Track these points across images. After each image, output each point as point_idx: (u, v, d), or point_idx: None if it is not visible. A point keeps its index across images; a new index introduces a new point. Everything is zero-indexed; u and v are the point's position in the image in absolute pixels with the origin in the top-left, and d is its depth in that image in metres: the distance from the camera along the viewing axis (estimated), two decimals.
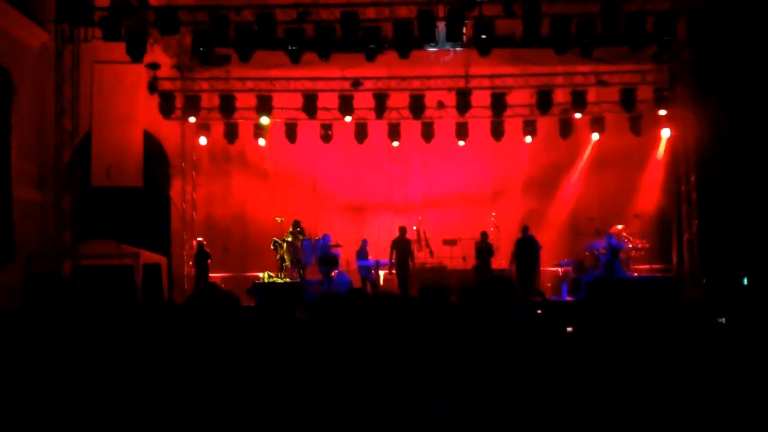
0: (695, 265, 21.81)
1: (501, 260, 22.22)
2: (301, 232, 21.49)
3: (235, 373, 4.35)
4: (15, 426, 4.24)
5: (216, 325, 4.45)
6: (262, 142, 23.38)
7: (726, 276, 19.38)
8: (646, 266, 22.14)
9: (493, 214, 22.87)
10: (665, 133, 22.97)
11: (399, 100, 22.60)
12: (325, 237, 21.32)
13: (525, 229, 20.92)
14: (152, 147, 22.53)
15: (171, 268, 22.93)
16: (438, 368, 4.22)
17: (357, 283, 21.06)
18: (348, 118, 22.49)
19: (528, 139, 23.27)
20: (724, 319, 5.99)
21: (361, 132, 22.93)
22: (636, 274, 21.35)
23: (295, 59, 19.21)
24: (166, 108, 22.02)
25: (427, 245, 21.94)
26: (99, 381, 4.37)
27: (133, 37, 18.51)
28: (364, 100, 22.49)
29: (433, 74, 22.65)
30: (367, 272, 21.45)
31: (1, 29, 18.67)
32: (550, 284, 22.35)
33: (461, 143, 23.16)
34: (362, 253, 21.64)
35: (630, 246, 21.53)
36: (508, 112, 22.50)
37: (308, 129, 23.16)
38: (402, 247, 21.02)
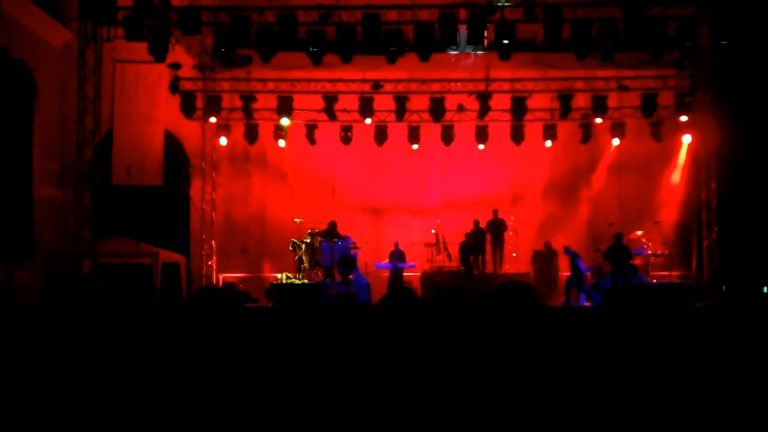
0: (715, 272, 21.68)
1: (519, 265, 22.23)
2: (330, 233, 21.40)
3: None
4: (33, 419, 4.27)
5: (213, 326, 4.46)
6: (282, 143, 23.42)
7: (746, 284, 19.25)
8: (666, 272, 22.02)
9: (512, 218, 22.84)
10: (686, 139, 22.83)
11: (419, 102, 22.58)
12: (347, 239, 21.36)
13: (495, 212, 22.43)
14: (173, 146, 22.65)
15: (189, 268, 23.00)
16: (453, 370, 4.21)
17: (375, 285, 21.08)
18: (368, 121, 22.49)
19: (548, 143, 23.23)
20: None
21: (380, 134, 22.94)
22: (655, 280, 21.27)
23: (316, 61, 19.25)
24: (187, 108, 22.07)
25: (446, 249, 21.96)
26: (112, 377, 4.40)
27: (155, 36, 18.60)
28: (384, 103, 22.48)
29: (454, 77, 22.63)
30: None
31: (24, 28, 18.80)
32: None
33: (481, 147, 23.14)
34: (393, 255, 21.74)
35: (649, 252, 21.45)
36: (528, 116, 22.44)
37: (328, 131, 23.19)
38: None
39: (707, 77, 21.69)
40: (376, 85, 22.59)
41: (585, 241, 23.21)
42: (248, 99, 22.54)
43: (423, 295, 20.72)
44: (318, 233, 21.39)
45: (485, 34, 18.88)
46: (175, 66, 20.98)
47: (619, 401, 4.36)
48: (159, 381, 4.38)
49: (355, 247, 21.40)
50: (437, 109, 22.12)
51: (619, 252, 20.03)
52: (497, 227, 22.31)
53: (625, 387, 4.44)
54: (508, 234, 22.56)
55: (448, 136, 22.84)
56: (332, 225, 21.64)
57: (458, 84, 22.65)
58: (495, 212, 22.38)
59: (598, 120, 22.58)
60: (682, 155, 23.13)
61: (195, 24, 18.71)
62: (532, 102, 22.38)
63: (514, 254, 22.62)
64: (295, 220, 21.90)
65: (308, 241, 21.35)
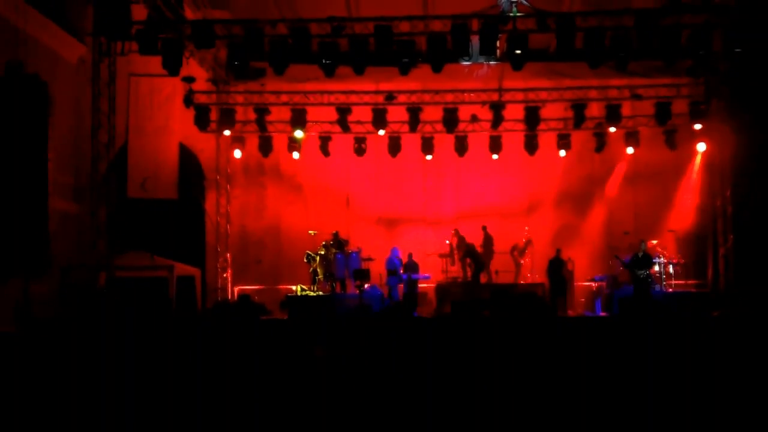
0: (731, 281, 21.58)
1: (535, 275, 22.18)
2: (335, 244, 21.44)
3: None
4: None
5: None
6: (296, 155, 23.48)
7: (762, 291, 19.16)
8: (681, 281, 21.92)
9: (526, 228, 22.82)
10: (701, 147, 22.76)
11: (432, 113, 22.63)
12: (393, 250, 21.56)
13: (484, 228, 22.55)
14: (187, 159, 22.74)
15: (205, 281, 23.04)
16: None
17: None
18: (381, 132, 22.54)
19: (562, 152, 23.19)
20: None
21: (394, 145, 22.97)
22: (671, 289, 21.18)
23: (330, 73, 19.23)
24: (202, 121, 22.18)
25: (460, 259, 21.93)
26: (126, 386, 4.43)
27: (169, 50, 18.64)
28: (397, 114, 22.54)
29: (467, 88, 22.68)
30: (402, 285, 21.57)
31: (39, 42, 18.91)
32: (583, 299, 22.23)
33: (495, 157, 23.16)
34: (407, 267, 21.71)
35: (665, 261, 21.36)
36: (542, 125, 22.45)
37: (342, 142, 23.24)
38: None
39: (721, 85, 21.67)
40: (389, 97, 22.63)
41: (600, 251, 23.15)
42: (262, 111, 22.63)
43: (437, 306, 20.78)
44: (332, 245, 21.41)
45: (498, 44, 18.88)
46: (189, 79, 21.07)
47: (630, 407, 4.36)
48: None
49: (368, 259, 21.38)
50: (450, 120, 22.15)
51: (642, 260, 19.77)
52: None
53: (639, 394, 4.44)
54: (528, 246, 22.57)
55: (461, 147, 22.85)
56: (335, 235, 21.64)
57: (471, 94, 22.72)
58: (484, 228, 22.54)
59: (612, 129, 22.53)
60: (697, 163, 23.06)
61: (208, 37, 18.75)
62: (546, 112, 22.40)
63: (529, 275, 22.50)
64: (310, 232, 21.90)
65: (323, 253, 21.36)
